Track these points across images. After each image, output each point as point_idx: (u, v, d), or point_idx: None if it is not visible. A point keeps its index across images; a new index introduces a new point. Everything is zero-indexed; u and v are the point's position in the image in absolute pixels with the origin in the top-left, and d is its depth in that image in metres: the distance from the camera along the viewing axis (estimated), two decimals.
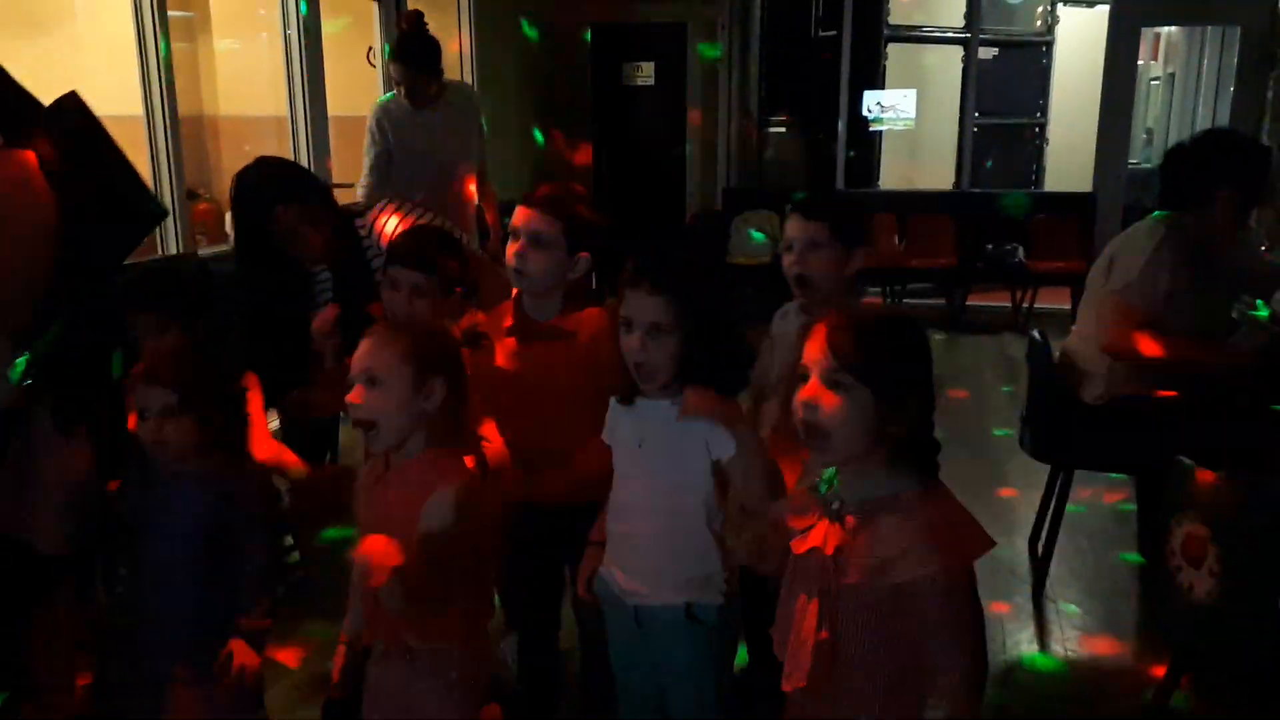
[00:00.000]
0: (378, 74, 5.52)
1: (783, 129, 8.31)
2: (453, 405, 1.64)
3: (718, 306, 1.67)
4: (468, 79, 6.11)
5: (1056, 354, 3.12)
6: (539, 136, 7.13)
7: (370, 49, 5.53)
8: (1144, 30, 7.38)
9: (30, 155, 1.75)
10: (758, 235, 6.89)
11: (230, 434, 1.82)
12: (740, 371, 1.74)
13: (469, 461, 1.73)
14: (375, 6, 5.43)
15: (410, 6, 5.49)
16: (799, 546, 1.43)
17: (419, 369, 1.59)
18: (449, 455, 1.66)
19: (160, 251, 4.26)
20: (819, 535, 1.40)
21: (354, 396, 1.60)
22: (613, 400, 1.75)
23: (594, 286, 2.12)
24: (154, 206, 2.11)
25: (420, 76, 3.78)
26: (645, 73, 7.56)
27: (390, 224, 2.62)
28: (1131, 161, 7.67)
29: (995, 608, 2.93)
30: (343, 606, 1.82)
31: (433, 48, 3.82)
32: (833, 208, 2.17)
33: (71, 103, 1.94)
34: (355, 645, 1.77)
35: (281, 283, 2.46)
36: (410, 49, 3.77)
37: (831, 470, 1.42)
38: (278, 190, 2.36)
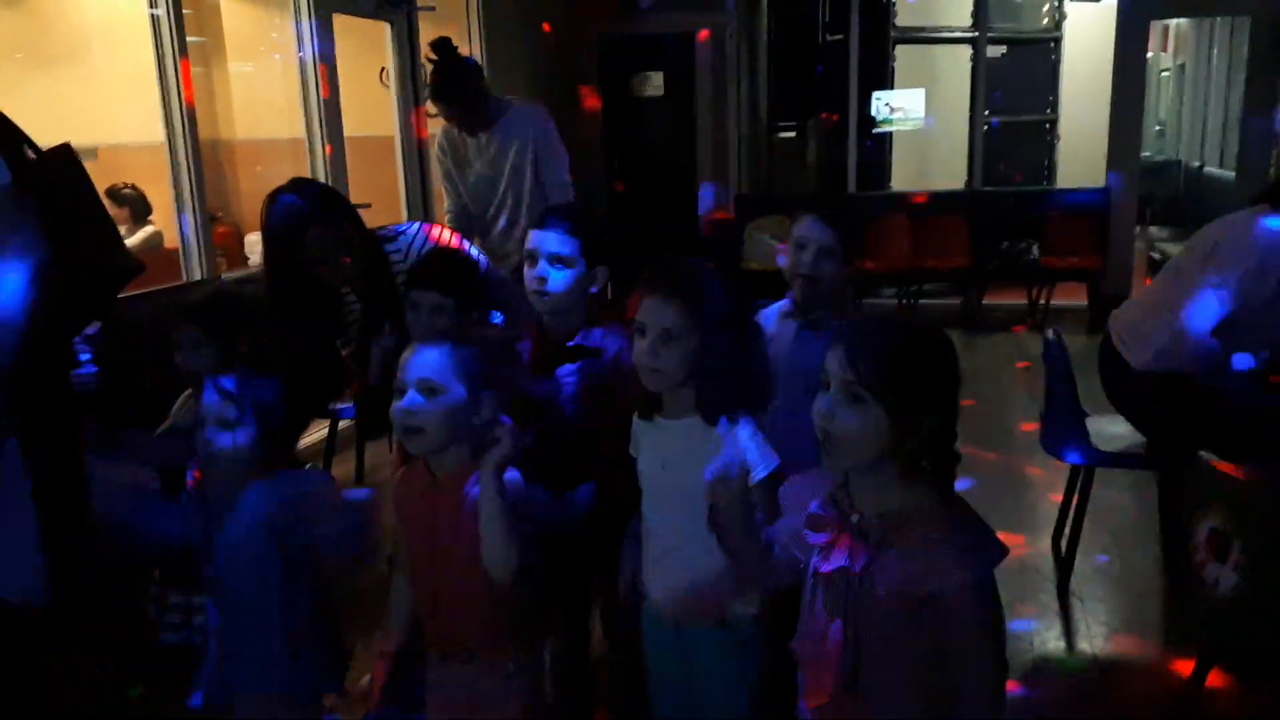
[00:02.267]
0: (392, 94, 5.58)
1: (792, 134, 8.34)
2: (498, 421, 1.67)
3: (733, 315, 1.67)
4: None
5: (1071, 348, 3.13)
6: None
7: (383, 70, 5.59)
8: (1153, 23, 7.36)
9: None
10: None
11: (284, 447, 1.86)
12: (758, 385, 1.69)
13: None
14: (387, 27, 5.49)
15: (420, 24, 5.56)
16: (822, 562, 1.43)
17: (473, 384, 1.63)
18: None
19: (184, 277, 4.32)
20: (843, 551, 1.41)
21: (405, 402, 1.63)
22: (635, 416, 1.77)
23: (609, 298, 2.16)
24: (131, 263, 2.16)
25: (464, 109, 3.60)
26: (655, 83, 7.60)
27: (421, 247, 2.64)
28: (1144, 155, 7.66)
29: (1021, 607, 2.94)
30: (365, 621, 1.85)
31: (468, 75, 3.57)
32: (846, 216, 2.20)
33: (63, 155, 1.97)
34: (396, 655, 1.81)
35: (310, 303, 2.50)
36: (443, 85, 3.51)
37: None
38: (310, 213, 2.39)
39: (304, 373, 2.54)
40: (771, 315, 2.20)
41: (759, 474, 1.62)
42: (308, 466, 4.10)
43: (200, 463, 1.82)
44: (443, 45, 3.47)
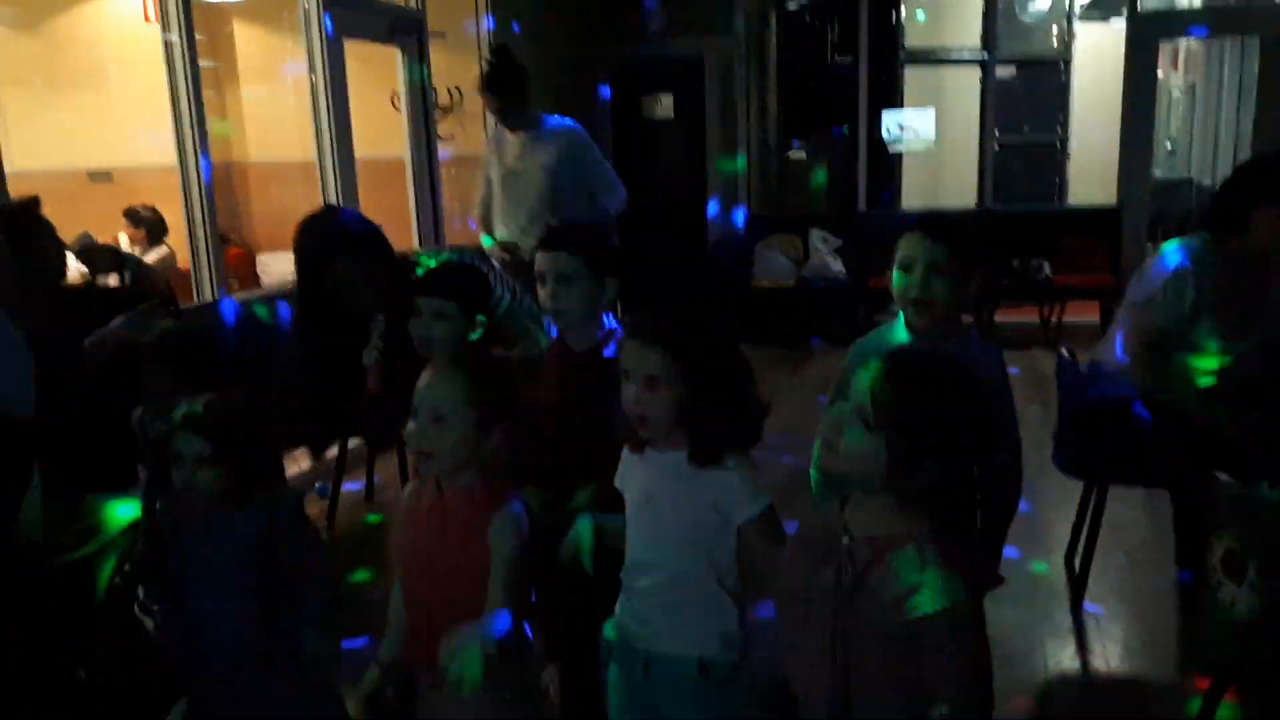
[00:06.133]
0: (402, 116, 5.63)
1: (802, 154, 8.35)
2: (509, 444, 1.69)
3: (720, 359, 1.63)
4: (489, 116, 6.20)
5: (1085, 365, 3.12)
6: None
7: (394, 93, 5.64)
8: (1163, 43, 7.37)
9: None
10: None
11: (260, 482, 1.83)
12: (749, 424, 1.65)
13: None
14: (398, 52, 5.54)
15: (430, 45, 5.61)
16: (812, 579, 1.43)
17: (482, 412, 1.65)
18: (501, 490, 1.71)
19: (195, 298, 4.34)
20: (830, 570, 1.40)
21: (417, 427, 1.65)
22: (625, 449, 1.74)
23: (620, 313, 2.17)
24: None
25: (507, 102, 4.12)
26: (665, 105, 7.63)
27: None
28: (1155, 174, 7.64)
29: (1034, 625, 2.91)
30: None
31: (516, 73, 4.14)
32: (957, 230, 2.10)
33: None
34: (392, 671, 1.79)
35: (338, 327, 2.53)
36: (493, 77, 4.11)
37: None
38: (337, 243, 2.43)
39: (329, 393, 2.58)
40: (882, 339, 2.10)
41: (754, 511, 1.60)
42: (316, 485, 4.14)
43: (176, 496, 1.82)
44: (501, 49, 4.32)
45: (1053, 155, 8.55)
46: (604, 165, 4.30)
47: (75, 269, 3.35)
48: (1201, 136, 9.14)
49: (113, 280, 3.53)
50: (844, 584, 1.38)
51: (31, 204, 2.64)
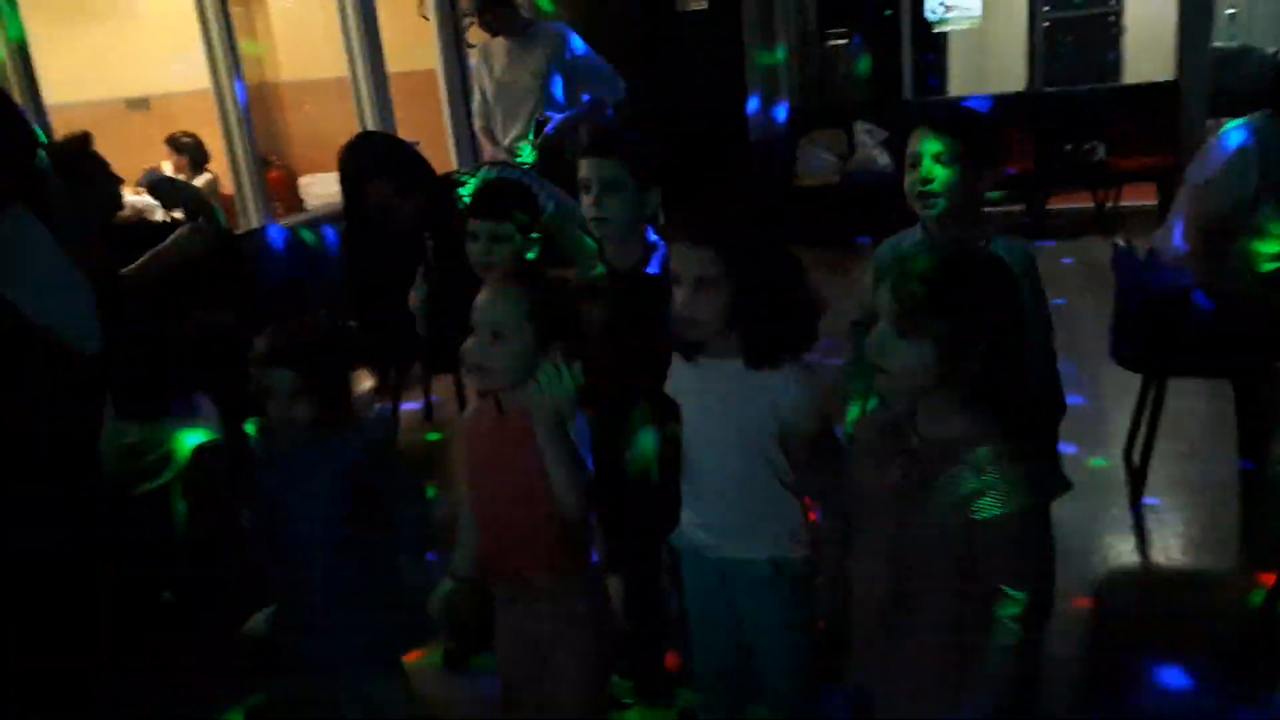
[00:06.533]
0: (433, 27, 5.51)
1: (844, 41, 8.07)
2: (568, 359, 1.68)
3: (770, 258, 1.61)
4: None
5: (1143, 252, 3.04)
6: None
7: (421, 1, 5.51)
8: None
9: None
10: None
11: (347, 408, 1.88)
12: (803, 324, 1.63)
13: None
14: None
15: None
16: (875, 482, 1.45)
17: (541, 328, 1.65)
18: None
19: (240, 224, 4.37)
20: (897, 473, 1.41)
21: (477, 344, 1.65)
22: (674, 355, 1.74)
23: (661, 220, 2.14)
24: None
25: (489, 5, 4.11)
26: None
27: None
28: (1215, 44, 7.27)
29: (1093, 520, 2.90)
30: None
31: None
32: (968, 120, 2.06)
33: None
34: (465, 583, 1.84)
35: (384, 251, 2.55)
36: None
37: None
38: (371, 166, 2.45)
39: (381, 317, 2.61)
40: (896, 242, 2.08)
41: (803, 428, 1.60)
42: (376, 407, 4.21)
43: (269, 429, 1.85)
44: None
45: (1107, 29, 8.18)
46: (595, 59, 4.28)
47: (131, 205, 3.37)
48: (1265, 1, 8.66)
49: (179, 214, 3.56)
50: (910, 485, 1.40)
51: (84, 140, 2.66)
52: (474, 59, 4.46)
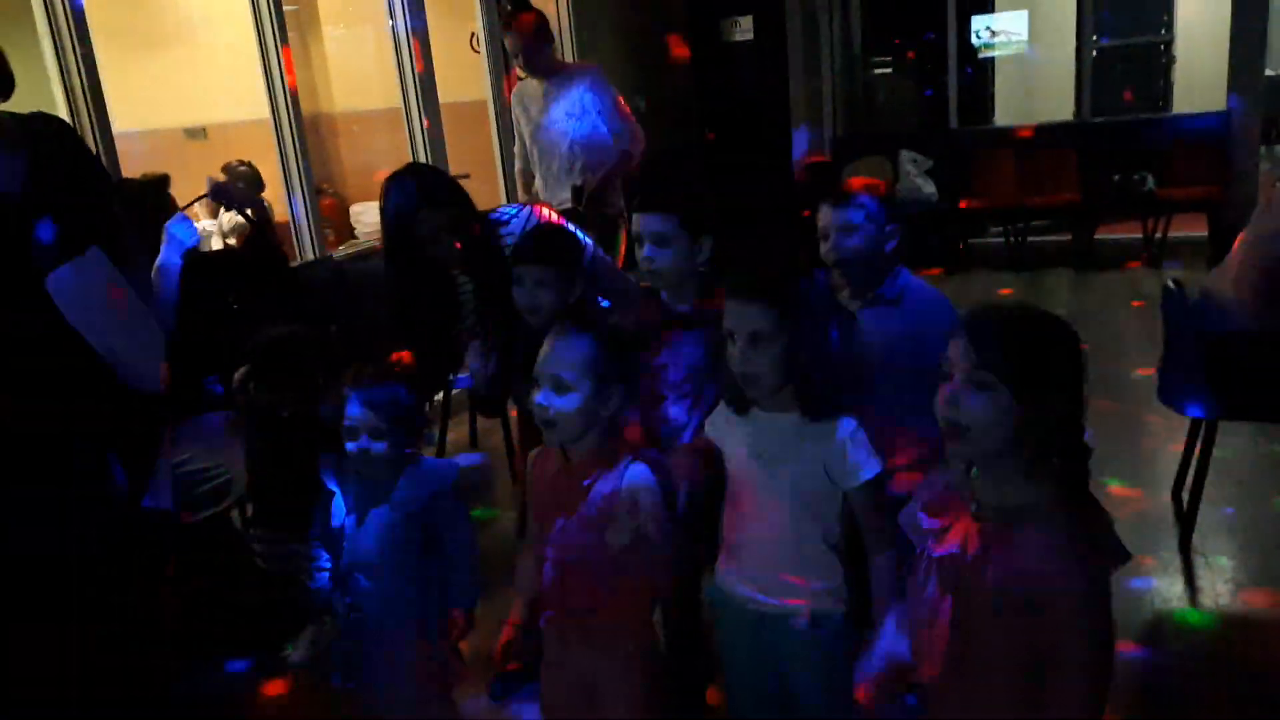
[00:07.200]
0: (483, 59, 5.62)
1: (888, 69, 8.09)
2: (627, 408, 1.74)
3: (823, 307, 1.65)
4: (565, 44, 6.17)
5: (1195, 293, 3.01)
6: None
7: (473, 34, 5.62)
8: None
9: None
10: None
11: (418, 437, 1.99)
12: (858, 377, 1.66)
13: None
14: None
15: None
16: (936, 546, 1.45)
17: (601, 379, 1.69)
18: (623, 451, 1.76)
19: (298, 255, 4.47)
20: (957, 537, 1.41)
21: (540, 398, 1.70)
22: (722, 404, 1.75)
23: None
24: None
25: (528, 41, 4.20)
26: (744, 27, 7.44)
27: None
28: (1268, 72, 7.19)
29: (1141, 563, 2.87)
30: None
31: (535, 14, 4.27)
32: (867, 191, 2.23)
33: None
34: (526, 622, 1.88)
35: (426, 284, 2.60)
36: (515, 10, 4.26)
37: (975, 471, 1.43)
38: (422, 196, 2.49)
39: (423, 349, 2.67)
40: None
41: (865, 476, 1.62)
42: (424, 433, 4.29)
43: (353, 465, 1.92)
44: None
45: (1157, 57, 8.11)
46: (622, 109, 4.34)
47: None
48: None
49: (235, 217, 3.63)
50: (969, 551, 1.39)
51: (160, 183, 2.74)
52: (513, 104, 4.55)
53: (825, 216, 2.19)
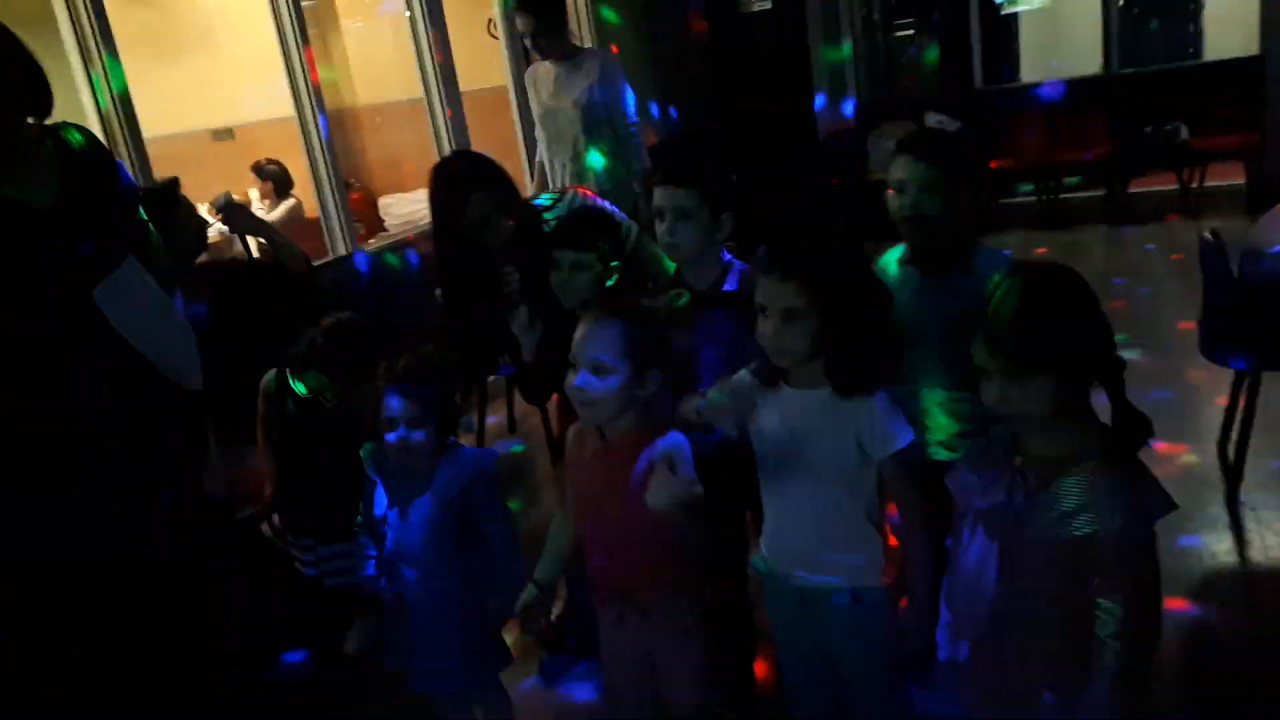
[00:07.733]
0: (501, 45, 5.61)
1: (911, 32, 7.98)
2: (664, 389, 1.75)
3: (857, 289, 1.65)
4: (581, 22, 6.14)
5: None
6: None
7: (490, 20, 5.62)
8: None
9: None
10: None
11: (455, 424, 2.01)
12: (889, 354, 1.66)
13: None
14: None
15: None
16: (981, 499, 1.47)
17: (638, 361, 1.71)
18: (660, 430, 1.75)
19: (329, 251, 4.51)
20: (1001, 490, 1.43)
21: (579, 380, 1.72)
22: (747, 375, 1.73)
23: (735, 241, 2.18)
24: None
25: (541, 23, 4.13)
26: None
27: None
28: None
29: (1188, 520, 2.84)
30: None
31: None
32: (950, 147, 2.08)
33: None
34: (547, 590, 1.93)
35: (475, 269, 2.61)
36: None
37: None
38: (474, 178, 2.51)
39: (469, 336, 2.69)
40: (889, 263, 2.11)
41: (899, 444, 1.62)
42: (463, 419, 4.33)
43: (393, 454, 1.95)
44: None
45: (1185, 4, 7.93)
46: (628, 111, 4.26)
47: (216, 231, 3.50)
48: None
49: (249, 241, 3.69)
50: (1014, 503, 1.41)
51: (173, 185, 2.78)
52: (527, 83, 4.50)
53: (900, 168, 2.00)
